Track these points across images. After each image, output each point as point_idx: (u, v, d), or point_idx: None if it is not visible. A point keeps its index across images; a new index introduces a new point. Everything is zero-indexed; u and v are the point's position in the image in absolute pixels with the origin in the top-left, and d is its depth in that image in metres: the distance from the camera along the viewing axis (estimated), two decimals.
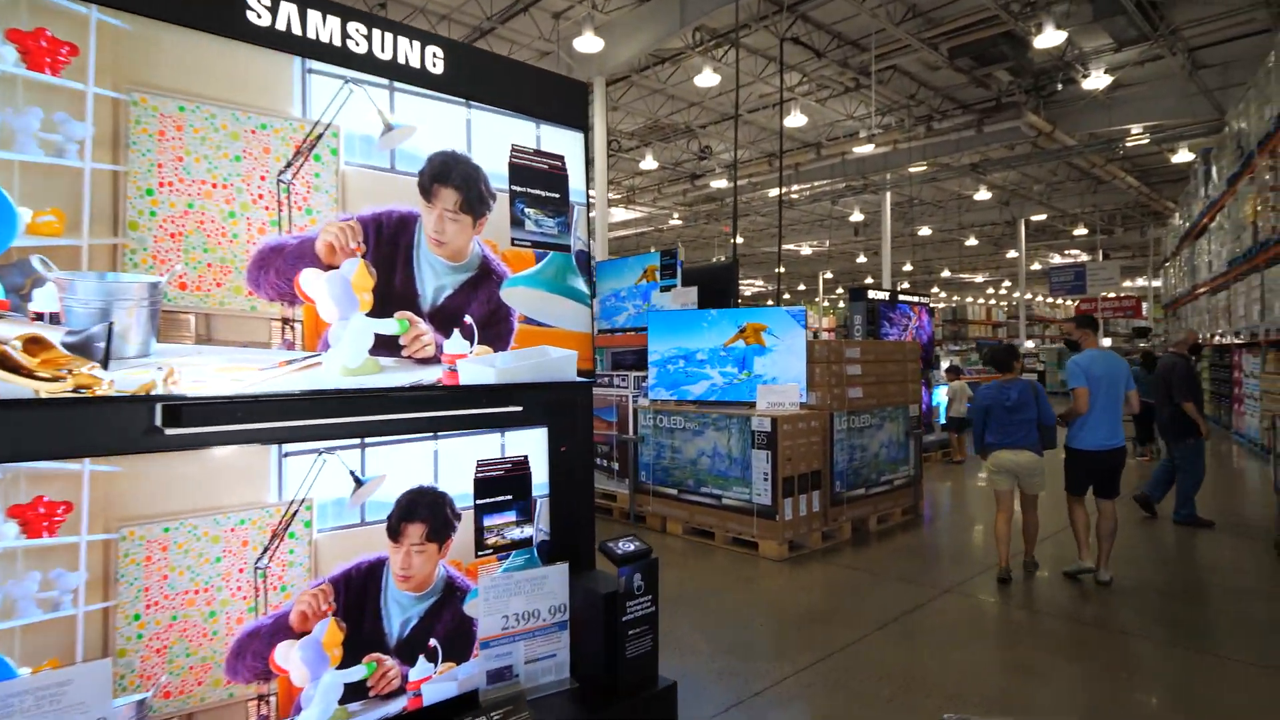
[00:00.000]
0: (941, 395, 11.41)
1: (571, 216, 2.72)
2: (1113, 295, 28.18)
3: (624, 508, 6.47)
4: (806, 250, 33.70)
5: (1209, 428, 6.05)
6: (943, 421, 11.17)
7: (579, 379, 2.74)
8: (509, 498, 2.47)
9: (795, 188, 22.14)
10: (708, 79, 13.57)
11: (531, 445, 2.54)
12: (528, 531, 2.52)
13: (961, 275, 41.17)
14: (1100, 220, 27.16)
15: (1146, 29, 11.79)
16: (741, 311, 5.96)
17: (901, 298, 10.12)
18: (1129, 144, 16.46)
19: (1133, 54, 13.18)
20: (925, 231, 28.09)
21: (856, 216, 25.37)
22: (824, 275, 40.70)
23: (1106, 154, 17.87)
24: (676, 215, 25.95)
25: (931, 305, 10.85)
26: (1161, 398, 6.26)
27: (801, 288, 45.08)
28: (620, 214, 26.55)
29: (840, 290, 42.32)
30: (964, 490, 8.38)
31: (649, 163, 19.28)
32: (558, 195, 2.68)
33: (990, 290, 46.76)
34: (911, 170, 19.77)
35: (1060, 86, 14.42)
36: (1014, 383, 4.97)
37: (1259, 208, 10.21)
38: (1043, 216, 26.50)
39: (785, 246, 33.07)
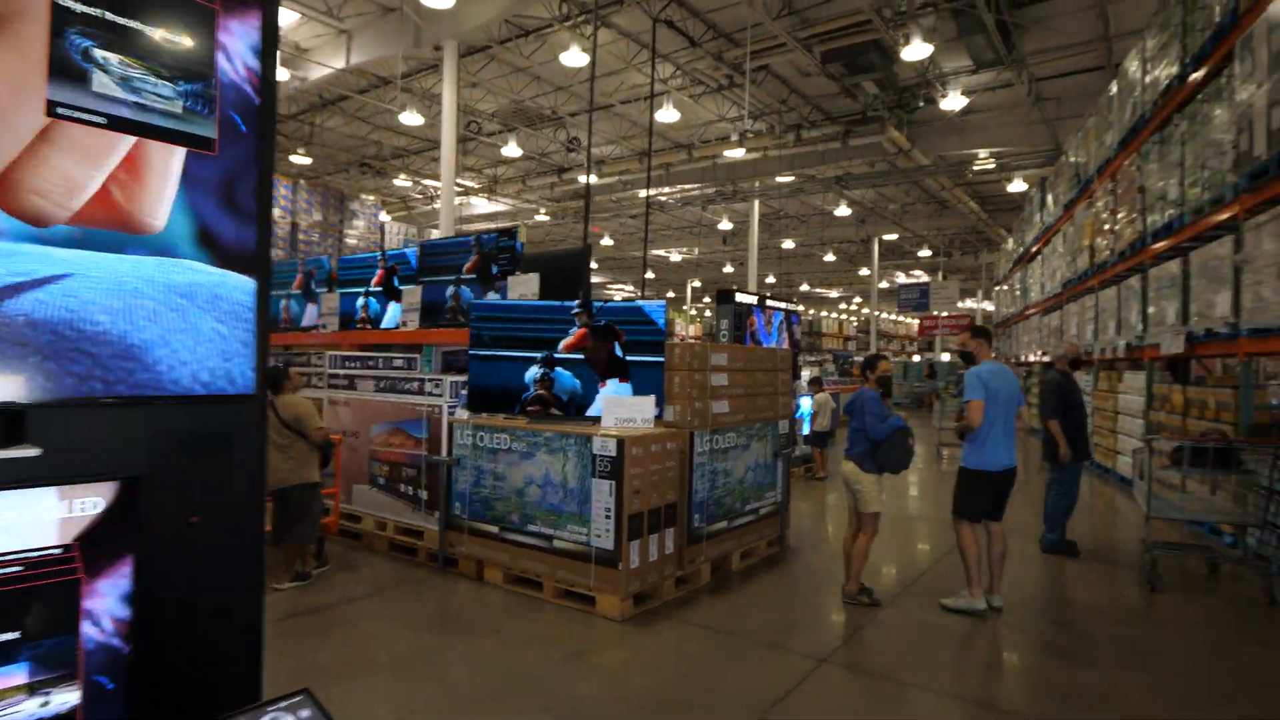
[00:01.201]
0: (806, 406, 10.96)
1: (219, 90, 1.45)
2: (946, 314, 30.09)
3: (432, 549, 5.15)
4: (676, 257, 33.49)
5: (1068, 451, 5.70)
6: (805, 434, 10.70)
7: (229, 391, 1.46)
8: (13, 636, 1.17)
9: (665, 190, 21.55)
10: (575, 58, 12.43)
11: (93, 521, 1.26)
12: (64, 700, 1.23)
13: (819, 290, 42.79)
14: (941, 243, 28.85)
15: (1002, 52, 12.04)
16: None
17: (770, 303, 9.49)
18: (976, 168, 17.13)
19: (987, 78, 13.55)
20: (789, 244, 28.57)
21: (725, 225, 25.26)
22: (693, 283, 40.88)
23: (955, 177, 18.63)
24: (543, 211, 24.64)
25: (799, 313, 10.32)
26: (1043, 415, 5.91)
27: (671, 295, 45.09)
28: (482, 205, 24.88)
29: (708, 299, 42.72)
30: (828, 511, 7.77)
31: (512, 149, 17.88)
32: (190, 44, 1.40)
33: (842, 305, 49.12)
34: (779, 180, 19.73)
35: (921, 104, 14.66)
36: (856, 391, 4.71)
37: (1095, 234, 10.55)
38: (894, 236, 27.72)
39: (655, 252, 32.65)
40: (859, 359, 16.24)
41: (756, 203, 20.42)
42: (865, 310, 42.15)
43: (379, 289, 7.24)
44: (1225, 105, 5.88)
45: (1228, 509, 4.89)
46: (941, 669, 3.69)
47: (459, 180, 22.13)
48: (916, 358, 32.51)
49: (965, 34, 11.62)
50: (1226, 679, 3.61)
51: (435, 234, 22.33)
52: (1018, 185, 18.92)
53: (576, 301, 4.90)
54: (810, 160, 17.84)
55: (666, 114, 14.47)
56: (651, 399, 4.57)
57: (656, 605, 4.42)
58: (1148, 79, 8.08)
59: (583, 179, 19.91)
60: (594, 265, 34.72)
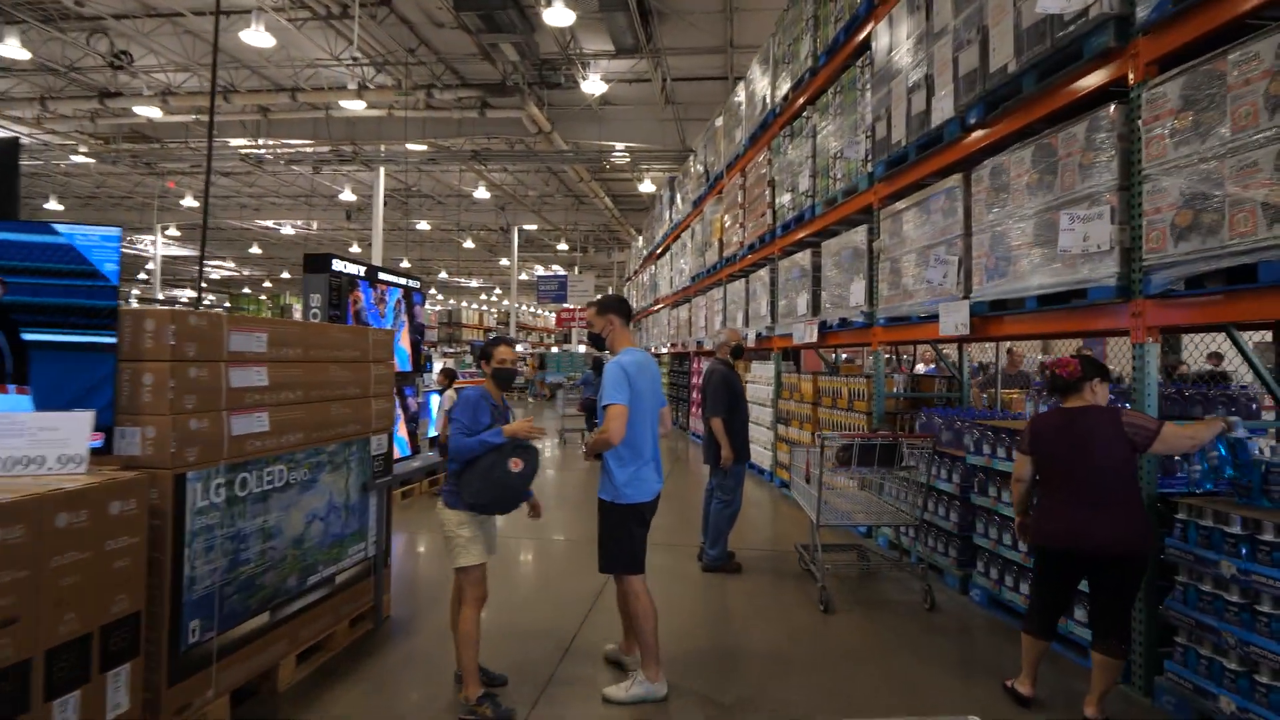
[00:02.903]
0: (436, 404, 9.19)
1: None
2: (581, 307, 31.16)
3: None
4: (289, 230, 28.45)
5: (730, 454, 4.94)
6: (432, 436, 8.93)
7: None
8: None
9: (266, 142, 17.55)
10: None
11: None
12: None
13: (458, 279, 41.05)
14: (578, 239, 29.54)
15: (642, 40, 11.80)
16: None
17: (384, 276, 7.46)
18: (614, 158, 17.19)
19: (625, 65, 13.36)
20: (424, 226, 26.24)
21: (348, 196, 21.87)
22: None
23: (592, 168, 18.61)
24: (83, 149, 18.27)
25: (422, 290, 8.45)
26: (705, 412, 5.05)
27: (286, 276, 38.82)
28: None
29: None
30: None
31: (15, 50, 12.41)
32: None
33: (484, 296, 48.20)
34: (410, 147, 17.44)
35: (562, 82, 13.96)
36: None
37: (724, 229, 10.82)
38: (534, 227, 27.39)
39: (262, 223, 27.25)
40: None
41: (382, 171, 17.79)
42: (506, 302, 41.76)
43: None
44: (861, 94, 5.76)
45: (891, 510, 4.58)
46: None
47: None
48: (555, 350, 33.11)
49: (607, 9, 11.01)
50: None
51: None
52: (648, 187, 19.72)
53: None
54: (445, 129, 16.03)
55: (256, 36, 11.23)
56: (86, 417, 2.33)
57: None
58: (779, 74, 8.12)
59: (141, 110, 15.00)
60: (175, 233, 27.69)
